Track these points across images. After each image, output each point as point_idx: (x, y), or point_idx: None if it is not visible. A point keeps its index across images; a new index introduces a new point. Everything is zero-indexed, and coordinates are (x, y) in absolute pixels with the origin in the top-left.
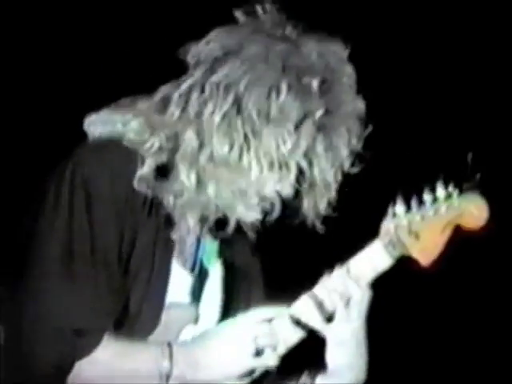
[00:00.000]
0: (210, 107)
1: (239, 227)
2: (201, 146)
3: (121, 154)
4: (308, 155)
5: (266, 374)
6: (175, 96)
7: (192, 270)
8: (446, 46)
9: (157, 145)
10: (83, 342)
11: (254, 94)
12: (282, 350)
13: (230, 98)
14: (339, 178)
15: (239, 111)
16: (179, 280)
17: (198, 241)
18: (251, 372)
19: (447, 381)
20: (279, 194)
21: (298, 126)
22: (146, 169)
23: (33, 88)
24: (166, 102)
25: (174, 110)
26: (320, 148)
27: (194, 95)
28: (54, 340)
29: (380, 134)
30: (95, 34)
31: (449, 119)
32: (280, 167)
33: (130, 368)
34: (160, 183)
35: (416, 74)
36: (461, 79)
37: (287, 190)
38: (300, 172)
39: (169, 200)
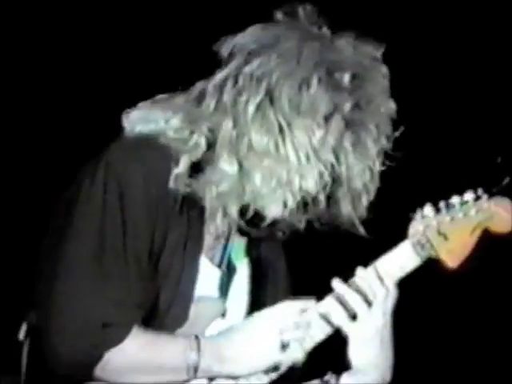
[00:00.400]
0: (244, 97)
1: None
2: (238, 135)
3: (155, 151)
4: (336, 150)
5: (292, 369)
6: (210, 87)
7: (220, 265)
8: (476, 53)
9: (196, 141)
10: (112, 334)
11: (286, 85)
12: (309, 345)
13: (263, 89)
14: (368, 177)
15: (272, 102)
16: (208, 275)
17: (227, 238)
18: (277, 366)
19: (472, 381)
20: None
21: (327, 119)
22: (181, 166)
23: (67, 81)
24: (202, 96)
25: (209, 102)
26: (347, 143)
27: (229, 86)
28: (84, 331)
29: (411, 136)
30: (132, 28)
31: (478, 123)
32: (316, 159)
33: (158, 360)
34: (196, 179)
35: (448, 78)
36: (492, 83)
37: (313, 187)
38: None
39: (209, 190)
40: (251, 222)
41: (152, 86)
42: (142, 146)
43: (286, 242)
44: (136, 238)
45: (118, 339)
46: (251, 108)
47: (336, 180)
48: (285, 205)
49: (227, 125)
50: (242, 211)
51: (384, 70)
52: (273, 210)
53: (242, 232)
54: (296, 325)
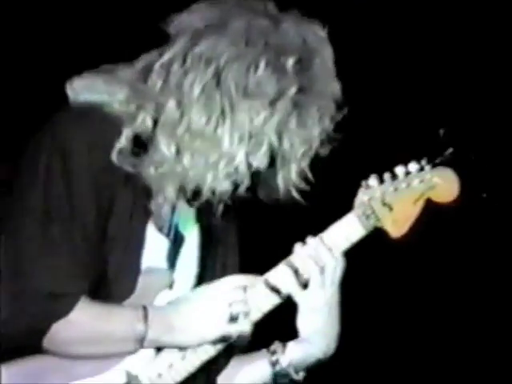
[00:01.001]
0: (190, 78)
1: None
2: (180, 116)
3: (101, 122)
4: (280, 131)
5: (240, 339)
6: (157, 66)
7: (167, 234)
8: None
9: (142, 118)
10: (58, 305)
11: (234, 68)
12: (256, 316)
13: (211, 71)
14: (310, 154)
15: (218, 84)
16: (156, 245)
17: (174, 208)
18: (226, 338)
19: (419, 350)
20: (250, 166)
21: (273, 102)
22: (123, 141)
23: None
24: (147, 72)
25: (156, 81)
26: (292, 124)
27: (175, 66)
28: (30, 302)
29: (356, 111)
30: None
31: (422, 95)
32: (250, 140)
33: (106, 330)
34: (138, 157)
35: (390, 53)
36: (433, 53)
37: (259, 162)
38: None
39: (149, 171)
40: (193, 198)
41: (96, 55)
42: (87, 115)
43: (236, 212)
44: (81, 206)
45: (65, 310)
46: (197, 89)
47: (274, 159)
48: (216, 184)
49: (171, 106)
50: (182, 188)
51: (329, 51)
52: (215, 185)
53: (189, 202)
54: (244, 297)
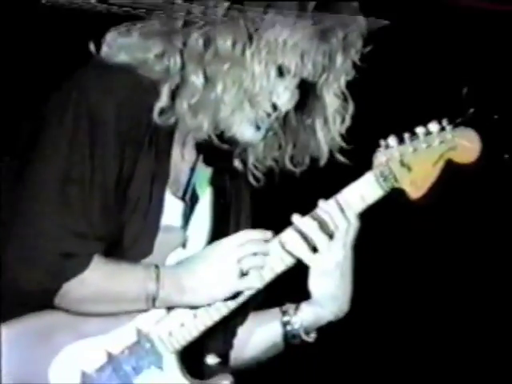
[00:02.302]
0: (212, 5)
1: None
2: (206, 44)
3: (131, 81)
4: (303, 53)
5: (252, 298)
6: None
7: (183, 196)
8: None
9: (173, 62)
10: (71, 265)
11: None
12: (269, 275)
13: None
14: (341, 94)
15: (241, 9)
16: (171, 208)
17: (192, 170)
18: (236, 294)
19: (429, 317)
20: (275, 106)
21: (295, 24)
22: (164, 98)
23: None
24: (172, 13)
25: (179, 16)
26: (314, 46)
27: None
28: (43, 260)
29: (377, 70)
30: None
31: (444, 54)
32: (282, 68)
33: (118, 290)
34: (174, 106)
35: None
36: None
37: (285, 101)
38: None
39: (182, 108)
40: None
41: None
42: (118, 76)
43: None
44: (103, 169)
45: (77, 270)
46: (220, 12)
47: (310, 99)
48: (254, 124)
49: (195, 33)
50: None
51: None
52: (242, 129)
53: (207, 162)
54: (254, 253)
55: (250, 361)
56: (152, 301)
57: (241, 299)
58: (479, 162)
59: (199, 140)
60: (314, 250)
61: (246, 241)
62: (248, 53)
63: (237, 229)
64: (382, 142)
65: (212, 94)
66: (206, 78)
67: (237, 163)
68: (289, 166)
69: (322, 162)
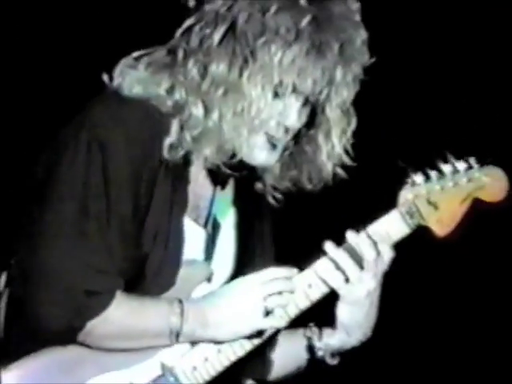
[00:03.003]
0: (207, 34)
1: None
2: (202, 73)
3: (142, 114)
4: (301, 72)
5: (276, 335)
6: (177, 34)
7: (205, 224)
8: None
9: (179, 97)
10: (94, 303)
11: (247, 15)
12: (294, 312)
13: (226, 23)
14: (342, 105)
15: (235, 35)
16: (193, 237)
17: (213, 197)
18: (261, 332)
19: (456, 345)
20: (287, 130)
21: (290, 42)
22: (173, 134)
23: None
24: (175, 49)
25: (179, 50)
26: (313, 65)
27: (195, 29)
28: (65, 300)
29: (404, 105)
30: None
31: (474, 94)
32: (279, 90)
33: (141, 326)
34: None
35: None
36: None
37: (292, 121)
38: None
39: (187, 140)
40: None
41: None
42: (129, 108)
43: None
44: (119, 202)
45: (102, 308)
46: (215, 43)
47: (316, 117)
48: (266, 146)
49: (192, 65)
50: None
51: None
52: (253, 153)
53: (224, 186)
54: (280, 292)
55: (273, 381)
56: (176, 336)
57: (265, 335)
58: (507, 200)
59: (214, 169)
60: (346, 280)
61: (272, 278)
62: (244, 76)
63: (262, 257)
64: (409, 180)
65: (210, 123)
66: (206, 108)
67: (259, 186)
68: (307, 185)
69: (327, 178)
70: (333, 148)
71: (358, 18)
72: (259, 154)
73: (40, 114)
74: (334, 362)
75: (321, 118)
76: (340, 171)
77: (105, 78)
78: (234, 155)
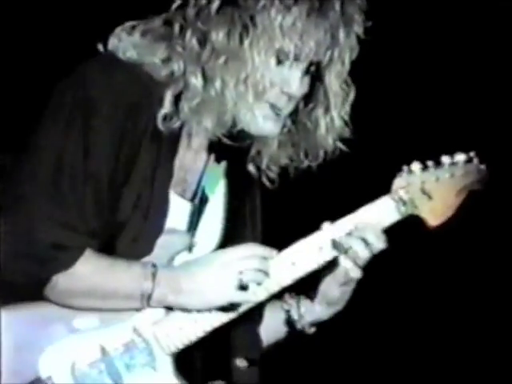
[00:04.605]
0: (204, 1)
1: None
2: (202, 42)
3: (134, 80)
4: (302, 35)
5: (253, 310)
6: (174, 7)
7: (192, 199)
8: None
9: (176, 69)
10: (60, 256)
11: None
12: (274, 288)
13: None
14: (344, 70)
15: (234, 2)
16: (177, 209)
17: (203, 171)
18: (235, 306)
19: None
20: (288, 95)
21: (289, 6)
22: (167, 104)
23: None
24: (171, 21)
25: (176, 21)
26: (312, 24)
27: (191, 2)
28: (33, 251)
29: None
30: None
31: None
32: (282, 56)
33: (111, 285)
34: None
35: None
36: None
37: (295, 88)
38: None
39: (184, 110)
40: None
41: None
42: (121, 71)
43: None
44: (97, 163)
45: (67, 263)
46: (213, 8)
47: (314, 87)
48: (271, 116)
49: (191, 35)
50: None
51: None
52: (258, 122)
53: (219, 161)
54: (257, 269)
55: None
56: (146, 299)
57: (241, 309)
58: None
59: (213, 140)
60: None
61: (252, 255)
62: (246, 43)
63: (249, 231)
64: (405, 167)
65: (212, 92)
66: (205, 78)
67: (250, 167)
68: (304, 161)
69: (329, 153)
70: (332, 121)
71: None
72: (264, 124)
73: (35, 82)
74: (311, 331)
75: (319, 91)
76: (340, 144)
77: (99, 47)
78: (233, 126)
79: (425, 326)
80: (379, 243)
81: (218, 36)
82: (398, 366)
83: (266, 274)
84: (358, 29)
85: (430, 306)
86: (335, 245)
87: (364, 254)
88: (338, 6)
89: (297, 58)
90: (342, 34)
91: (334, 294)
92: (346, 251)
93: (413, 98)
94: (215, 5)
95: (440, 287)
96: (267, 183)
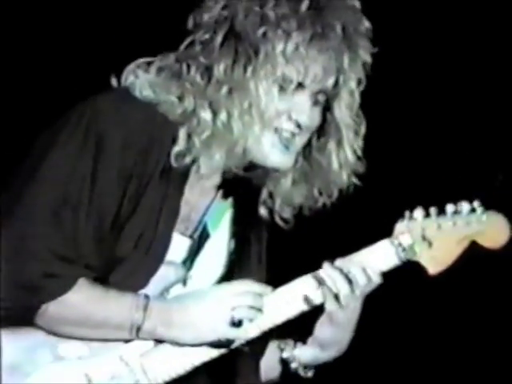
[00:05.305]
0: (208, 35)
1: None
2: (207, 75)
3: (146, 117)
4: (304, 62)
5: (246, 345)
6: (183, 46)
7: (191, 235)
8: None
9: (188, 105)
10: (53, 284)
11: (246, 13)
12: (267, 326)
13: (226, 24)
14: (351, 102)
15: (236, 34)
16: (176, 243)
17: (208, 207)
18: (228, 342)
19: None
20: (299, 125)
21: (291, 33)
22: (181, 142)
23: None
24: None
25: (184, 60)
26: (315, 49)
27: (197, 36)
28: (26, 279)
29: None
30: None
31: (481, 138)
32: (285, 84)
33: (101, 315)
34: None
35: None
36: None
37: (305, 118)
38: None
39: (196, 144)
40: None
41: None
42: (134, 108)
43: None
44: (103, 198)
45: (59, 291)
46: (217, 42)
47: (326, 121)
48: (279, 146)
49: (195, 70)
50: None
51: None
52: (267, 153)
53: (225, 195)
54: (250, 306)
55: None
56: (136, 330)
57: (233, 346)
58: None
59: (227, 176)
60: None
61: (246, 291)
62: (248, 72)
63: (257, 273)
64: (407, 213)
65: (219, 124)
66: (213, 111)
67: (262, 210)
68: (319, 198)
69: (344, 189)
70: (345, 155)
71: (357, 3)
72: (273, 154)
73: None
74: (307, 374)
75: (331, 125)
76: (355, 180)
77: (113, 81)
78: (244, 158)
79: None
80: (362, 279)
81: (221, 68)
82: None
83: (260, 310)
84: (364, 55)
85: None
86: (317, 279)
87: (344, 289)
88: (339, 30)
89: (301, 85)
90: (346, 60)
91: (323, 335)
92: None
93: (422, 142)
94: (219, 38)
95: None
96: (281, 224)
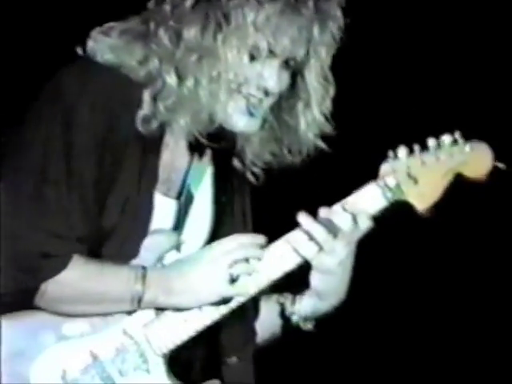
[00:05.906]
0: (178, 2)
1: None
2: (175, 40)
3: (111, 83)
4: (275, 32)
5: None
6: (151, 4)
7: (178, 196)
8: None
9: (152, 68)
10: (48, 264)
11: None
12: (264, 282)
13: None
14: (323, 67)
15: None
16: (163, 209)
17: (188, 169)
18: (226, 302)
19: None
20: (266, 92)
21: (263, 3)
22: (146, 106)
23: None
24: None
25: (152, 19)
26: (286, 21)
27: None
28: (20, 261)
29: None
30: None
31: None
32: (255, 52)
33: (99, 290)
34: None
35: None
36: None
37: (272, 83)
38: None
39: (160, 110)
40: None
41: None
42: (98, 76)
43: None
44: (80, 168)
45: (55, 270)
46: (187, 4)
47: (295, 83)
48: (246, 111)
49: (164, 32)
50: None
51: None
52: (233, 119)
53: (202, 157)
54: (246, 259)
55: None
56: (137, 301)
57: (233, 304)
58: (490, 177)
59: (190, 139)
60: (320, 249)
61: (238, 246)
62: (219, 40)
63: (238, 227)
64: (391, 153)
65: (185, 91)
66: (180, 76)
67: (236, 163)
68: (287, 157)
69: (308, 149)
70: (313, 116)
71: None
72: (239, 120)
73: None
74: (308, 327)
75: (300, 87)
76: (321, 143)
77: (78, 50)
78: (212, 123)
79: (422, 321)
80: (344, 223)
81: (190, 33)
82: (391, 361)
83: (259, 259)
84: (334, 25)
85: (426, 301)
86: (323, 222)
87: (320, 235)
88: (311, 3)
89: (271, 54)
90: (316, 31)
91: (317, 284)
92: (334, 231)
93: (396, 83)
94: (189, 2)
95: (436, 281)
96: (252, 179)
